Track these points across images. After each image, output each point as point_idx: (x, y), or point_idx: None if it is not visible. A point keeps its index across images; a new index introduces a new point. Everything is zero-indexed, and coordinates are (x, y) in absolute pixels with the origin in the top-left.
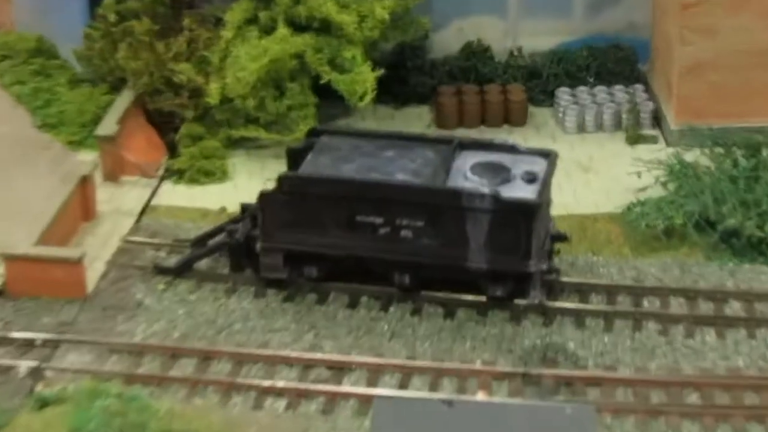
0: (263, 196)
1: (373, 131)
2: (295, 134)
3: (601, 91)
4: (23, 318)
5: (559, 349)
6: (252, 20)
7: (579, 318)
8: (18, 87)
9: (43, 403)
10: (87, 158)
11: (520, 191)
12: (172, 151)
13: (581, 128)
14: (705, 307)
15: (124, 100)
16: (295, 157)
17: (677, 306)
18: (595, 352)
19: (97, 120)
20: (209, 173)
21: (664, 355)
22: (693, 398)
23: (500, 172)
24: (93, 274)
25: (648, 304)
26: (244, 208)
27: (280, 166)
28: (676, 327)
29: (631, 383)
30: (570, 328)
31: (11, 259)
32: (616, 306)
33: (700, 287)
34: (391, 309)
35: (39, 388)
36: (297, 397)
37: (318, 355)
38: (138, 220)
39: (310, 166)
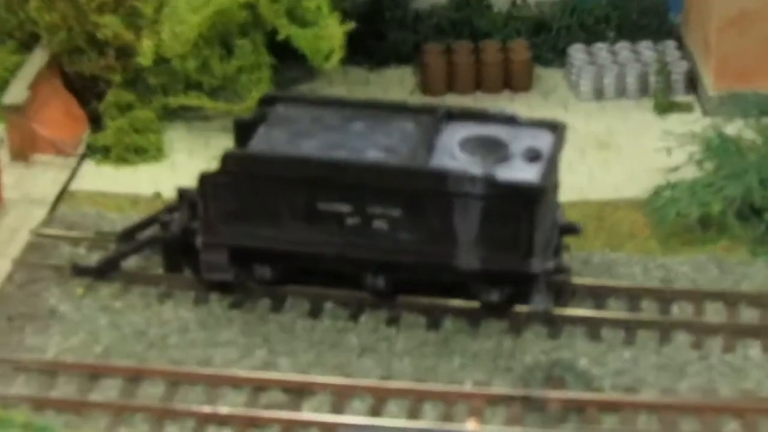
0: (205, 178)
1: (340, 99)
2: (246, 102)
3: (623, 48)
4: None
5: (568, 367)
6: None
7: (593, 328)
8: None
9: None
10: None
11: (521, 172)
12: (96, 123)
13: (599, 94)
14: (748, 315)
15: (36, 61)
16: (244, 131)
17: (714, 313)
18: (612, 370)
19: (2, 85)
20: (141, 150)
21: (697, 374)
22: (732, 426)
23: (496, 149)
24: None
25: (678, 311)
26: (182, 193)
27: (228, 142)
28: (713, 339)
29: (656, 408)
30: (582, 340)
31: None
32: (639, 313)
33: (743, 290)
34: (362, 318)
35: None
36: (245, 426)
37: (272, 375)
38: (52, 209)
39: (262, 142)
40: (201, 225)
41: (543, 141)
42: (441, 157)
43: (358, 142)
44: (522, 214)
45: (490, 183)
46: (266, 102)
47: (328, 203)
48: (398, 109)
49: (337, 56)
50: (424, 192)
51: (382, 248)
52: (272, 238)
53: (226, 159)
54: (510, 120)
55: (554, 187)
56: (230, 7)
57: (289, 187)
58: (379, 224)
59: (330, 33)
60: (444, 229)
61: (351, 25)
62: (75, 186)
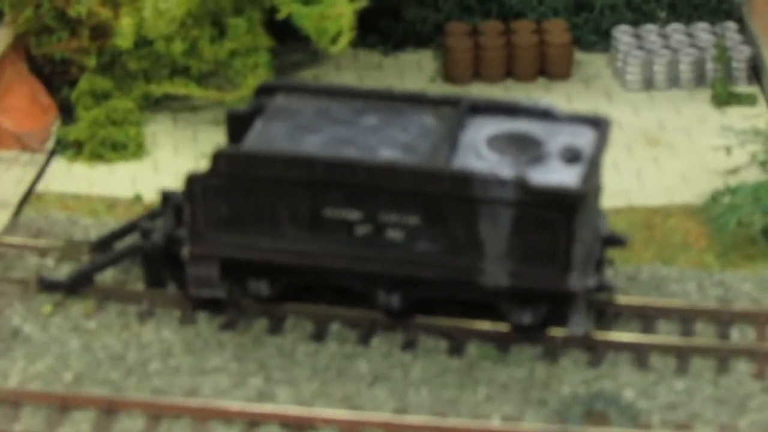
0: (192, 180)
1: (349, 88)
2: (240, 91)
3: (676, 30)
4: None
5: (611, 400)
6: None
7: (640, 355)
8: None
9: None
10: None
11: (558, 175)
12: (67, 114)
13: (648, 84)
14: None
15: None
16: (238, 125)
17: None
18: (662, 403)
19: None
20: (119, 146)
21: (759, 409)
22: None
23: (529, 148)
24: None
25: (739, 335)
26: (166, 197)
27: (219, 137)
28: None
29: None
30: (627, 369)
31: None
32: (693, 338)
33: None
34: (373, 342)
35: None
36: None
37: (269, 408)
38: (16, 213)
39: (258, 138)
40: (188, 233)
41: (583, 138)
42: (465, 157)
43: (369, 139)
44: (559, 223)
45: (522, 187)
46: (264, 91)
47: (335, 209)
48: (416, 100)
49: (346, 38)
50: (446, 197)
51: (396, 261)
52: (270, 250)
53: (218, 157)
54: (545, 113)
55: (596, 191)
56: None
57: (289, 191)
58: (393, 234)
59: (338, 11)
60: (468, 240)
61: (362, 2)
62: (42, 187)
